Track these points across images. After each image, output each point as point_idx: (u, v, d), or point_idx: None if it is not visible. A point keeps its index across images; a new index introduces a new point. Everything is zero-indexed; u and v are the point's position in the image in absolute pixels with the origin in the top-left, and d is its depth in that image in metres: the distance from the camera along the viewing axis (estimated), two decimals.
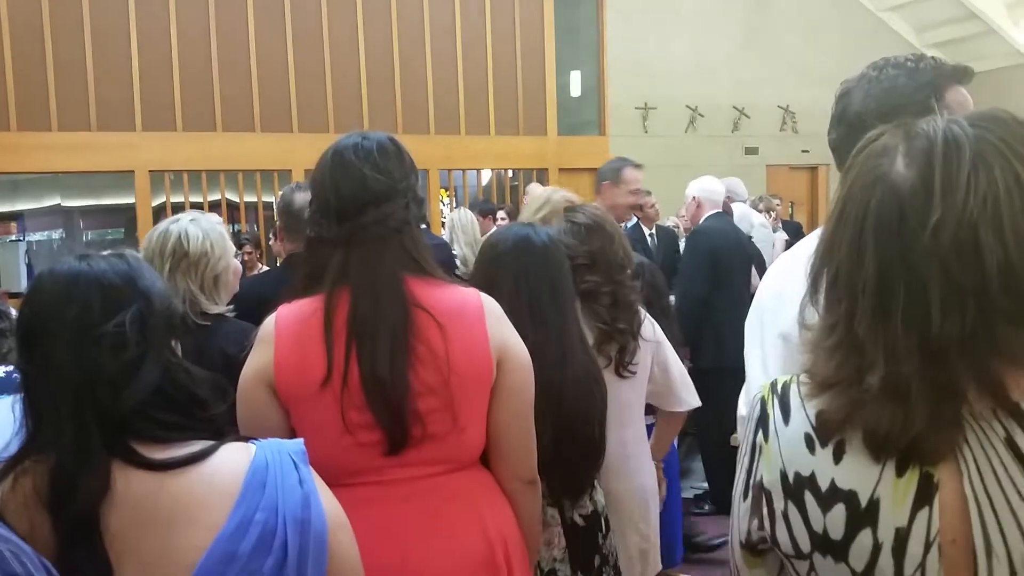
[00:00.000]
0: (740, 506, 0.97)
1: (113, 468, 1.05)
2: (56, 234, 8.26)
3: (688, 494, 4.59)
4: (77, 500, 1.01)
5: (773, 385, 0.95)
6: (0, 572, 0.77)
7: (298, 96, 8.57)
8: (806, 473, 0.87)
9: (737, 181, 6.29)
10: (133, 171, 8.10)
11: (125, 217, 8.37)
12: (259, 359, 1.54)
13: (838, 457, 0.85)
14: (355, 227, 1.55)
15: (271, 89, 8.47)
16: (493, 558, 1.56)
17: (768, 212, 7.05)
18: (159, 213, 8.26)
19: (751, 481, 0.94)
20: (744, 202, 6.28)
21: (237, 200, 8.62)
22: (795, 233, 7.32)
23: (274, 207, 8.29)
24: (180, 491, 1.06)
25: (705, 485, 4.84)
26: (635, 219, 6.69)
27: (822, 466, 0.86)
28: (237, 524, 1.05)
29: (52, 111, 7.76)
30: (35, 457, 1.06)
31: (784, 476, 0.89)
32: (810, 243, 1.63)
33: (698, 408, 4.59)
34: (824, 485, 0.86)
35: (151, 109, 8.05)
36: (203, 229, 2.17)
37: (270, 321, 1.57)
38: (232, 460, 1.10)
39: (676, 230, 6.97)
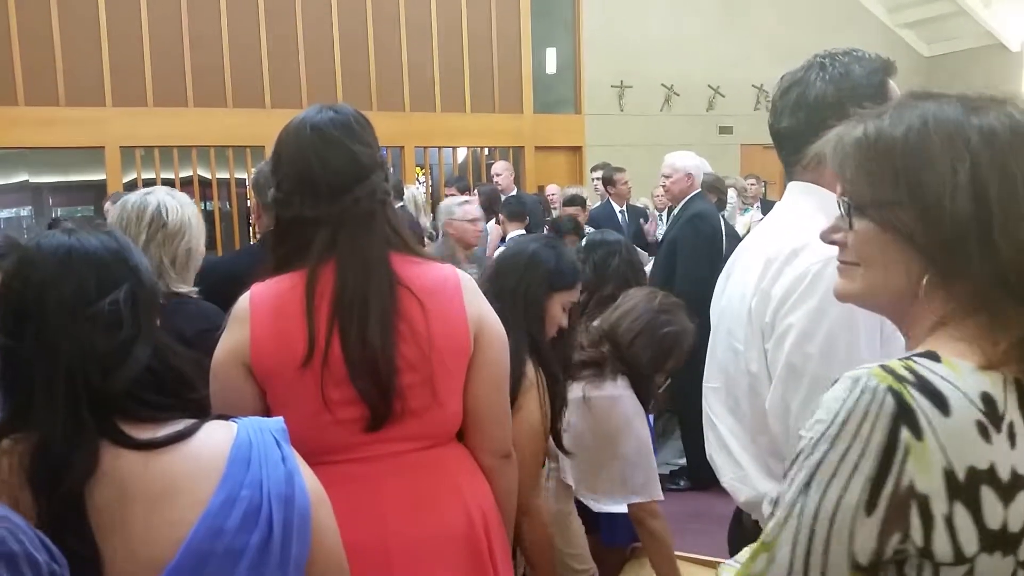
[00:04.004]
0: (856, 523, 0.84)
1: (100, 447, 1.04)
2: (25, 211, 8.12)
3: (664, 470, 4.64)
4: (65, 479, 1.00)
5: (896, 373, 0.85)
6: None
7: (270, 72, 8.47)
8: (983, 466, 0.81)
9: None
10: (103, 147, 7.98)
11: (95, 194, 8.23)
12: (234, 338, 1.52)
13: (1012, 441, 0.80)
14: (347, 203, 1.52)
15: (243, 64, 8.35)
16: (473, 533, 1.57)
17: (741, 191, 7.08)
18: (130, 190, 8.07)
19: (884, 490, 0.83)
20: None
21: (209, 177, 8.52)
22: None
23: (247, 184, 8.25)
24: (165, 469, 1.05)
25: (681, 462, 4.89)
26: (607, 196, 6.73)
27: (1000, 455, 0.80)
28: (223, 500, 1.05)
29: (18, 85, 7.60)
30: (15, 436, 1.05)
31: (950, 475, 0.81)
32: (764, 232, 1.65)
33: (681, 387, 4.59)
34: (1005, 475, 0.80)
35: (121, 83, 7.92)
36: (180, 203, 2.15)
37: (244, 299, 1.54)
38: (215, 438, 1.10)
39: (648, 211, 6.99)
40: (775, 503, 0.90)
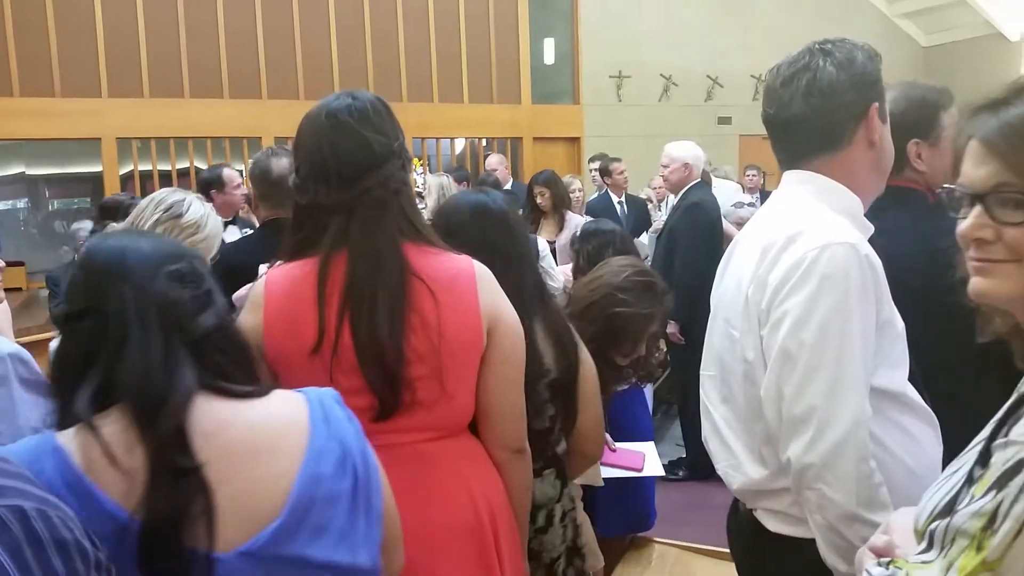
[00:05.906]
0: None
1: (195, 393, 1.06)
2: (21, 203, 8.11)
3: (663, 461, 4.65)
4: (167, 414, 1.02)
5: None
6: (52, 538, 0.80)
7: (267, 63, 8.44)
8: None
9: None
10: (99, 138, 7.95)
11: (92, 186, 8.23)
12: (249, 322, 1.53)
13: None
14: (358, 191, 1.52)
15: (240, 55, 8.33)
16: (480, 525, 1.56)
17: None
18: (126, 181, 8.13)
19: None
20: None
21: (206, 168, 8.50)
22: None
23: (244, 175, 8.24)
24: (256, 421, 1.10)
25: (679, 452, 4.90)
26: (604, 187, 6.73)
27: None
28: (318, 450, 1.10)
29: (14, 76, 7.57)
30: (108, 411, 1.04)
31: None
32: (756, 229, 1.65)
33: (682, 378, 4.55)
34: None
35: (117, 74, 7.89)
36: (207, 213, 2.20)
37: (260, 283, 1.56)
38: (289, 397, 1.16)
39: (649, 203, 6.98)
40: (991, 517, 0.82)
